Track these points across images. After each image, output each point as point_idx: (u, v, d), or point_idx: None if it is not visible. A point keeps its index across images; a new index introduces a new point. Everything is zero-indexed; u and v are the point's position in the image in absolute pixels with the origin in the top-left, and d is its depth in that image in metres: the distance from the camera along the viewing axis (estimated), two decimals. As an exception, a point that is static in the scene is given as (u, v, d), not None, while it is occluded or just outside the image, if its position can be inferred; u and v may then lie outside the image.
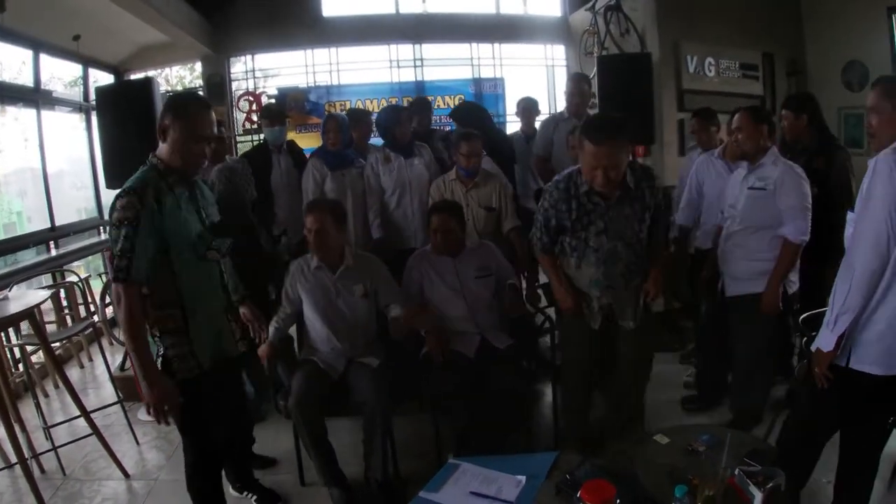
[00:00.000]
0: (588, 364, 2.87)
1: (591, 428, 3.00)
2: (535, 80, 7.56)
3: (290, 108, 6.99)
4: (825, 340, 1.93)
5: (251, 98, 7.33)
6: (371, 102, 6.86)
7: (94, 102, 5.06)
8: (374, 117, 4.30)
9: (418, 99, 4.93)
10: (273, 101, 6.91)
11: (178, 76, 9.24)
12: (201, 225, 2.16)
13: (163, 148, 2.09)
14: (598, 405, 3.11)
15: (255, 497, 2.76)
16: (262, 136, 4.42)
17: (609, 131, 2.36)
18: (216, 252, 2.20)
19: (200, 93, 7.25)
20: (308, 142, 6.03)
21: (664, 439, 2.09)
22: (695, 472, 1.77)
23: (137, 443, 3.39)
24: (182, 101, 2.16)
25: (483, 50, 7.44)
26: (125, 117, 3.65)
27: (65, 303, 4.69)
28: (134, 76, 7.10)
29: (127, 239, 1.92)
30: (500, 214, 3.52)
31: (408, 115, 3.93)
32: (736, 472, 1.72)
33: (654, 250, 2.73)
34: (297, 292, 2.89)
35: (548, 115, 4.33)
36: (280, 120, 4.04)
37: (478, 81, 7.16)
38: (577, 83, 4.21)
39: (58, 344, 4.32)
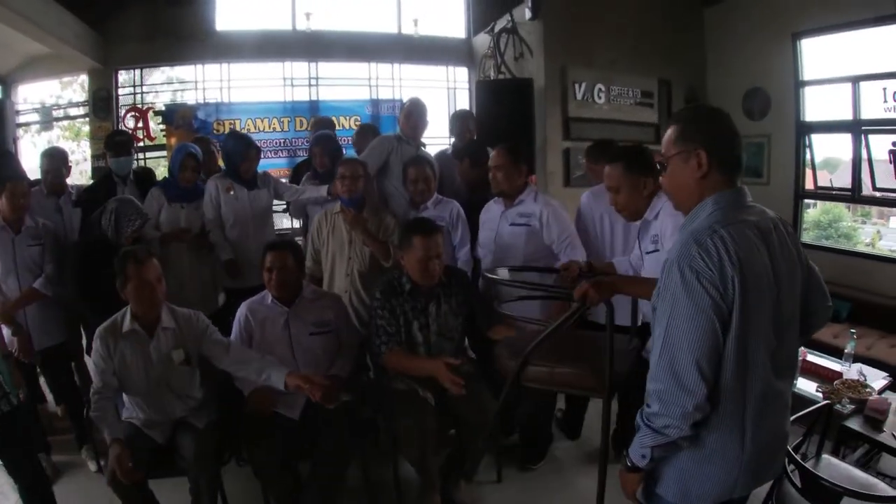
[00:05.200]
0: (427, 433, 2.59)
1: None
2: (436, 102, 7.20)
3: (177, 125, 6.59)
4: None
5: (137, 114, 6.86)
6: (262, 122, 6.51)
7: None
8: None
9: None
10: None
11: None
12: None
13: None
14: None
15: None
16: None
17: (432, 224, 2.71)
18: None
19: (86, 108, 6.94)
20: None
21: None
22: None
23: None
24: None
25: (382, 70, 7.20)
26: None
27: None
28: (23, 88, 6.97)
29: None
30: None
31: (256, 153, 3.62)
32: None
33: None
34: (108, 360, 2.44)
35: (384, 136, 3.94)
36: (126, 150, 3.72)
37: (375, 102, 6.89)
38: (465, 121, 4.08)
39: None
